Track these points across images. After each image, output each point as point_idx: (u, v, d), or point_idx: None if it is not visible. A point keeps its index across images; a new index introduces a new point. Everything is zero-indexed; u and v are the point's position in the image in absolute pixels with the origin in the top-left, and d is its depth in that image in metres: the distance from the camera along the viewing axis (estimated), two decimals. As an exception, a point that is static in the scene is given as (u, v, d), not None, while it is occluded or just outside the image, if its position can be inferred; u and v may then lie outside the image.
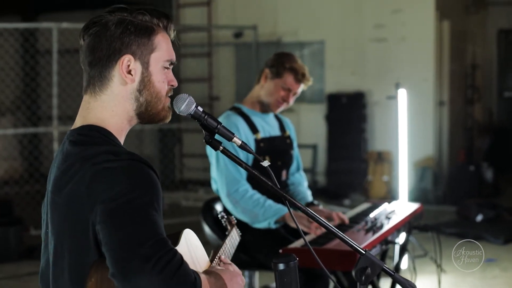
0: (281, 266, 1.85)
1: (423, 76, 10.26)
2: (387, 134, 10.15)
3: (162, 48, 2.13)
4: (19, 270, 6.83)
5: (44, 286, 2.13)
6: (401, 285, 2.26)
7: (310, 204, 4.19)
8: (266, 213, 3.94)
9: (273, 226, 3.96)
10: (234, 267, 2.40)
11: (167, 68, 2.16)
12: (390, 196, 9.96)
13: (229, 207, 4.04)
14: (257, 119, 4.18)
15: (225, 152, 2.21)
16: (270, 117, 4.28)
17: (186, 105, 2.17)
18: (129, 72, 2.09)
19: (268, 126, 4.24)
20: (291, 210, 2.28)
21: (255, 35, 10.24)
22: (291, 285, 1.85)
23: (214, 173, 4.14)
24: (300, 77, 4.12)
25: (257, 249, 4.05)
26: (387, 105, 10.05)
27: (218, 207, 4.36)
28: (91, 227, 1.92)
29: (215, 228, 4.27)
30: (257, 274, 4.36)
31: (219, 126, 2.19)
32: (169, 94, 2.18)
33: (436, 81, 10.51)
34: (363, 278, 2.20)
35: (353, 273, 2.21)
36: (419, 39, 10.29)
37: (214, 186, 4.21)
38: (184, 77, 11.48)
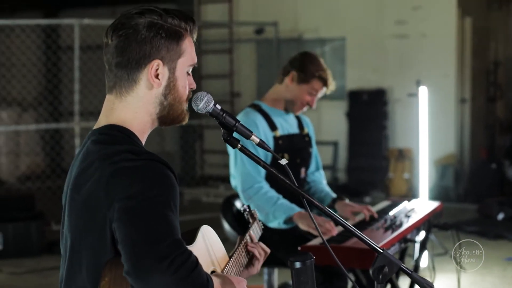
0: (298, 265, 1.85)
1: (444, 73, 10.20)
2: (408, 131, 10.11)
3: (188, 53, 2.14)
4: (41, 264, 6.89)
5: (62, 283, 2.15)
6: (418, 284, 2.25)
7: (338, 199, 4.18)
8: (276, 212, 3.93)
9: (282, 226, 3.95)
10: (262, 245, 2.54)
11: (189, 72, 2.17)
12: (411, 193, 9.92)
13: (245, 203, 4.05)
14: (276, 117, 4.19)
15: (243, 150, 2.21)
16: (289, 115, 4.28)
17: (205, 103, 2.17)
18: (157, 76, 2.09)
19: (286, 124, 4.24)
20: (300, 211, 2.27)
21: (275, 31, 10.23)
22: (308, 283, 1.85)
23: (232, 169, 4.16)
24: (327, 84, 4.13)
25: (276, 246, 4.03)
26: (408, 102, 10.00)
27: (238, 204, 4.37)
28: (108, 225, 1.93)
29: (234, 224, 4.29)
30: (276, 271, 4.36)
31: (237, 124, 2.19)
32: (189, 98, 2.19)
33: (457, 78, 10.46)
34: (381, 277, 2.20)
35: (371, 272, 2.21)
36: (440, 35, 10.23)
37: (233, 183, 4.22)
38: (205, 74, 11.50)
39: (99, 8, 11.72)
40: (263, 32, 11.09)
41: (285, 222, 3.93)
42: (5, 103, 9.60)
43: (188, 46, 2.14)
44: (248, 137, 2.21)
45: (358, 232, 2.22)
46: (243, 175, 4.01)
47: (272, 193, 3.98)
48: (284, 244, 3.98)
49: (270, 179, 4.06)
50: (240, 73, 11.63)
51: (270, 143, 4.08)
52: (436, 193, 9.44)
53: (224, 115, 2.19)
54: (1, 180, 10.06)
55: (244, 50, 11.70)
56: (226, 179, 10.78)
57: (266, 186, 4.01)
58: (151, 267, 1.80)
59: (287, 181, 2.20)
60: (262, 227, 2.98)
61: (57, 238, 7.45)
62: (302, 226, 3.84)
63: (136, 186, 1.90)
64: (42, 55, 10.05)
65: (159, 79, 2.09)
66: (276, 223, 3.95)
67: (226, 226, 4.31)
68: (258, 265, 2.57)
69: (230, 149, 4.14)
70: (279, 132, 4.15)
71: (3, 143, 10.04)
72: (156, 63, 2.08)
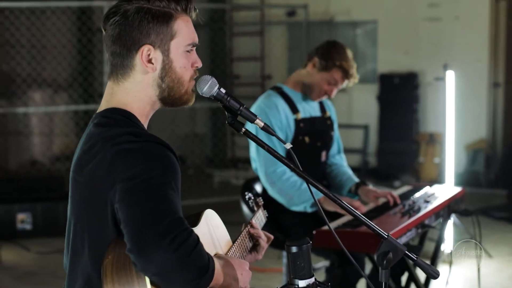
0: (294, 249, 1.85)
1: (477, 56, 10.08)
2: (439, 115, 10.00)
3: (182, 33, 2.13)
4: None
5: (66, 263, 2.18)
6: (424, 271, 2.24)
7: (361, 184, 4.16)
8: (301, 196, 3.93)
9: (309, 209, 3.96)
10: (265, 232, 2.55)
11: (190, 51, 2.16)
12: (441, 178, 9.83)
13: (267, 186, 4.05)
14: (298, 100, 4.17)
15: (248, 134, 2.21)
16: (309, 97, 4.25)
17: (209, 86, 2.17)
18: (150, 61, 2.11)
19: (308, 107, 4.22)
20: (312, 194, 2.26)
21: (306, 14, 10.17)
22: (304, 268, 1.85)
23: (253, 152, 4.16)
24: (348, 76, 4.07)
25: (293, 229, 4.06)
26: (439, 86, 9.89)
27: (258, 187, 4.37)
28: (110, 206, 1.96)
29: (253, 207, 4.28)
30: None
31: (241, 108, 2.19)
32: (194, 77, 2.18)
33: (490, 62, 10.32)
34: (385, 262, 2.19)
35: (375, 257, 2.20)
36: (473, 18, 10.10)
37: (253, 165, 4.23)
38: (236, 56, 11.49)
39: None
40: (295, 14, 11.03)
41: (312, 205, 3.93)
42: (36, 84, 9.69)
43: (182, 26, 2.13)
44: (252, 121, 2.21)
45: (363, 217, 2.21)
46: (266, 158, 4.01)
47: (295, 177, 3.98)
48: (302, 227, 3.99)
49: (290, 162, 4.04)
50: (271, 56, 11.60)
51: (292, 126, 4.08)
52: (467, 178, 9.36)
53: (228, 98, 2.19)
54: (35, 161, 10.18)
55: (275, 33, 11.66)
56: (255, 162, 10.82)
57: (288, 170, 4.00)
58: (152, 244, 1.82)
59: (291, 165, 2.20)
60: (267, 215, 2.99)
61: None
62: (329, 208, 3.83)
63: (137, 167, 1.92)
64: (72, 37, 10.11)
65: (152, 64, 2.11)
66: (302, 207, 3.96)
67: (245, 209, 4.32)
68: (262, 251, 2.58)
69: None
70: (300, 115, 4.14)
71: (35, 124, 10.15)
72: (147, 48, 2.10)
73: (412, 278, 4.09)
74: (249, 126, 2.36)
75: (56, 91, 9.98)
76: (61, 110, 9.58)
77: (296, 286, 1.84)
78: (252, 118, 2.20)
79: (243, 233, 2.51)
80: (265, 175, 4.02)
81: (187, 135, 11.08)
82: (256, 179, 4.41)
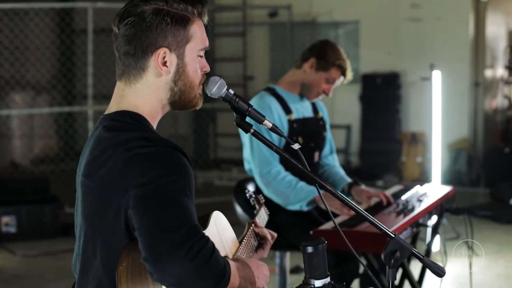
0: (310, 249, 1.86)
1: (459, 56, 10.15)
2: (421, 115, 10.08)
3: (197, 37, 2.12)
4: (55, 247, 6.93)
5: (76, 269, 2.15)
6: (430, 269, 2.26)
7: (353, 184, 4.18)
8: (297, 195, 3.95)
9: (305, 208, 3.97)
10: (270, 232, 2.55)
11: (201, 56, 2.16)
12: (423, 177, 9.91)
13: (262, 187, 4.06)
14: (290, 100, 4.19)
15: (256, 134, 2.22)
16: (304, 98, 4.29)
17: (218, 87, 2.17)
18: (165, 64, 2.08)
19: (301, 108, 4.24)
20: (321, 192, 2.28)
21: (289, 14, 10.20)
22: (320, 268, 1.86)
23: (247, 153, 4.17)
24: (345, 74, 4.14)
25: (288, 230, 4.06)
26: (422, 86, 9.97)
27: (251, 187, 4.38)
28: (123, 211, 1.94)
29: (246, 208, 4.29)
30: (288, 255, 4.38)
31: (250, 109, 2.19)
32: (203, 81, 2.18)
33: (472, 61, 10.40)
34: (392, 261, 2.20)
35: (382, 257, 2.22)
36: (455, 19, 10.18)
37: (246, 166, 4.23)
38: (218, 57, 11.49)
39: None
40: (277, 15, 11.06)
41: (308, 204, 3.95)
42: (19, 86, 9.63)
43: (197, 30, 2.12)
44: (260, 122, 2.21)
45: (370, 217, 2.23)
46: (260, 159, 4.02)
47: (290, 176, 4.00)
48: (297, 228, 4.00)
49: (285, 162, 4.07)
50: (253, 57, 11.62)
51: (285, 127, 4.10)
52: (449, 178, 9.43)
53: (237, 99, 2.19)
54: (15, 163, 10.12)
55: (257, 34, 11.68)
56: (238, 162, 10.82)
57: (282, 170, 4.03)
58: (169, 254, 1.80)
59: (300, 166, 2.21)
60: (268, 212, 3.00)
61: (71, 221, 7.50)
62: (324, 207, 3.85)
63: (151, 173, 1.90)
64: (56, 39, 10.07)
65: (167, 67, 2.09)
66: (298, 206, 3.98)
67: (239, 209, 4.33)
68: (267, 249, 2.59)
69: (244, 134, 4.15)
70: (293, 116, 4.16)
71: (17, 126, 10.09)
72: (163, 51, 2.07)
73: (406, 275, 4.11)
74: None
75: (39, 93, 9.93)
76: (45, 112, 9.53)
77: (312, 286, 1.85)
78: (260, 119, 2.21)
79: (248, 232, 2.51)
80: (260, 176, 4.04)
81: (170, 136, 11.06)
82: (248, 180, 4.42)
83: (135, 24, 2.06)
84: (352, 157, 10.91)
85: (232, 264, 1.99)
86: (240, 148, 4.32)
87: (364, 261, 4.01)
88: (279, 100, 4.15)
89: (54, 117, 10.11)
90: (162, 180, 1.89)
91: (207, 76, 2.22)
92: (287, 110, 4.15)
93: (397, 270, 4.21)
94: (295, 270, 5.76)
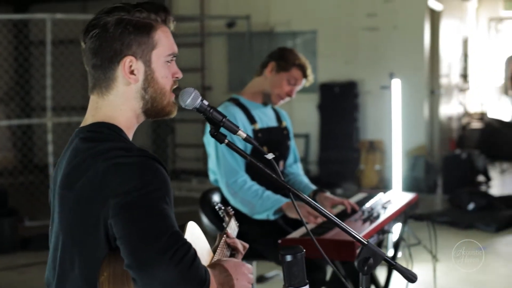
0: (289, 258, 1.88)
1: (415, 65, 10.29)
2: (379, 123, 10.21)
3: (163, 43, 2.14)
4: (15, 261, 6.84)
5: (52, 281, 2.15)
6: (403, 275, 2.30)
7: (318, 191, 4.21)
8: (264, 204, 3.97)
9: (271, 217, 3.99)
10: (242, 243, 2.58)
11: (170, 61, 2.18)
12: (382, 185, 10.03)
13: (229, 197, 4.08)
14: (254, 110, 4.23)
15: (230, 145, 2.24)
16: (268, 108, 4.33)
17: (192, 99, 2.19)
18: (132, 72, 2.10)
19: (265, 117, 4.28)
20: (287, 201, 2.31)
21: (248, 25, 10.24)
22: (299, 275, 1.88)
23: (212, 164, 4.18)
24: (305, 74, 4.20)
25: (254, 240, 4.08)
26: (379, 94, 10.09)
27: (216, 198, 4.39)
28: (103, 221, 1.94)
29: (213, 218, 4.31)
30: (254, 264, 4.40)
31: (223, 119, 2.21)
32: (174, 87, 2.20)
33: (428, 70, 10.56)
34: (366, 268, 2.24)
35: (356, 264, 2.25)
36: (411, 28, 10.32)
37: (212, 177, 4.25)
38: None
39: (69, 3, 11.65)
40: (235, 25, 11.10)
41: (274, 213, 3.98)
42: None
43: (162, 37, 2.14)
44: (235, 132, 2.23)
45: (343, 224, 2.26)
46: (226, 169, 4.04)
47: (256, 186, 4.03)
48: (263, 237, 4.03)
49: (250, 172, 4.10)
50: (211, 67, 11.64)
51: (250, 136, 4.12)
52: (408, 184, 9.54)
53: (211, 110, 2.21)
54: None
55: (215, 44, 11.70)
56: (198, 173, 10.82)
57: (248, 179, 4.05)
58: (154, 260, 1.82)
59: (273, 175, 2.23)
60: (238, 224, 3.03)
61: (31, 235, 7.43)
62: (291, 215, 3.89)
63: (131, 182, 1.92)
64: (13, 50, 9.97)
65: (135, 75, 2.11)
66: (264, 215, 3.99)
67: (205, 220, 4.33)
68: (239, 259, 2.61)
69: (208, 143, 4.17)
70: (258, 125, 4.19)
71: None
72: (129, 59, 2.09)
73: (373, 280, 4.16)
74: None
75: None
76: (3, 124, 9.42)
77: (291, 294, 1.87)
78: (234, 130, 2.23)
79: (221, 243, 2.54)
80: (227, 186, 4.05)
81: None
82: (213, 190, 4.43)
83: (99, 36, 2.09)
84: (311, 166, 10.98)
85: (210, 271, 2.01)
86: (199, 159, 4.35)
87: (330, 269, 4.06)
88: (243, 110, 4.18)
89: (12, 130, 10.00)
90: (144, 190, 1.91)
91: (179, 87, 2.24)
92: (252, 120, 4.18)
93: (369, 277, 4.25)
94: (260, 280, 5.79)
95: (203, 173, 4.15)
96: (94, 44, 2.10)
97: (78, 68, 10.58)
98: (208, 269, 1.99)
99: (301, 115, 10.95)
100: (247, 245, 2.68)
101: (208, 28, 11.64)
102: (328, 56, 10.86)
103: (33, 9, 11.77)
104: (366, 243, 2.24)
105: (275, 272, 5.92)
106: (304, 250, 1.93)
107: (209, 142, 4.16)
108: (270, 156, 2.25)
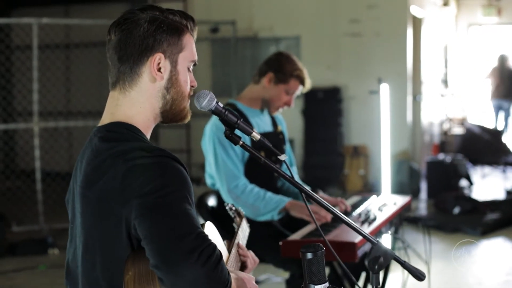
0: (309, 255, 1.92)
1: (398, 70, 10.37)
2: (363, 128, 10.29)
3: (189, 49, 2.21)
4: (3, 266, 6.80)
5: (71, 281, 2.16)
6: (411, 273, 2.35)
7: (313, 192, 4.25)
8: (268, 206, 4.01)
9: (276, 217, 4.04)
10: (252, 255, 2.58)
11: (190, 68, 2.23)
12: (366, 189, 10.09)
13: (231, 202, 4.11)
14: (251, 115, 4.26)
15: (245, 146, 2.28)
16: (264, 113, 4.37)
17: (208, 101, 2.24)
18: (159, 69, 2.14)
19: (261, 122, 4.32)
20: (306, 203, 2.35)
21: (233, 30, 10.27)
22: (319, 273, 1.92)
23: (210, 169, 4.21)
24: (304, 83, 4.24)
25: (252, 242, 4.10)
26: (363, 100, 10.17)
27: (211, 201, 4.42)
28: (125, 221, 1.96)
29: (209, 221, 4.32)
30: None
31: (238, 121, 2.27)
32: (191, 94, 2.25)
33: (411, 75, 10.65)
34: (376, 267, 2.29)
35: (366, 263, 2.30)
36: (393, 34, 10.39)
37: (208, 181, 4.28)
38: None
39: (52, 7, 11.61)
40: (218, 31, 11.12)
41: (279, 212, 4.02)
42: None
43: (188, 42, 2.21)
44: (249, 134, 2.29)
45: (354, 224, 2.31)
46: (227, 175, 4.08)
47: (257, 188, 4.07)
48: (262, 240, 4.05)
49: (248, 175, 4.13)
50: (195, 72, 11.53)
51: (247, 142, 4.15)
52: (392, 188, 9.61)
53: (226, 112, 2.26)
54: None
55: (199, 49, 11.58)
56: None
57: (248, 183, 4.09)
58: (181, 260, 1.85)
59: (287, 176, 2.28)
60: (248, 224, 3.05)
61: (19, 240, 7.40)
62: (295, 214, 3.94)
63: (154, 182, 1.94)
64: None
65: (161, 72, 2.15)
66: (269, 216, 4.03)
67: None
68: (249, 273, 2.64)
69: (207, 149, 4.20)
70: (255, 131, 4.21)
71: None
72: (158, 56, 2.14)
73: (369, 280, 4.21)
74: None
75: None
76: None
77: (313, 291, 1.91)
78: (249, 131, 2.28)
79: (233, 252, 2.55)
80: (228, 191, 4.08)
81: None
82: (208, 193, 4.45)
83: (131, 30, 2.13)
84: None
85: (231, 274, 2.04)
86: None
87: (327, 269, 4.10)
88: (240, 116, 4.21)
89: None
90: (166, 190, 1.93)
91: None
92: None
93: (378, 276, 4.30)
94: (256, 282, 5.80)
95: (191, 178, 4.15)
96: (125, 37, 2.13)
97: (64, 73, 10.57)
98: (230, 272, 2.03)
99: (286, 120, 10.88)
100: (257, 260, 2.71)
101: (192, 34, 11.63)
102: (311, 61, 10.89)
103: (16, 14, 11.73)
104: (376, 242, 2.29)
105: (266, 276, 5.96)
106: (324, 248, 1.97)
107: (208, 147, 4.18)
108: (283, 157, 2.30)
